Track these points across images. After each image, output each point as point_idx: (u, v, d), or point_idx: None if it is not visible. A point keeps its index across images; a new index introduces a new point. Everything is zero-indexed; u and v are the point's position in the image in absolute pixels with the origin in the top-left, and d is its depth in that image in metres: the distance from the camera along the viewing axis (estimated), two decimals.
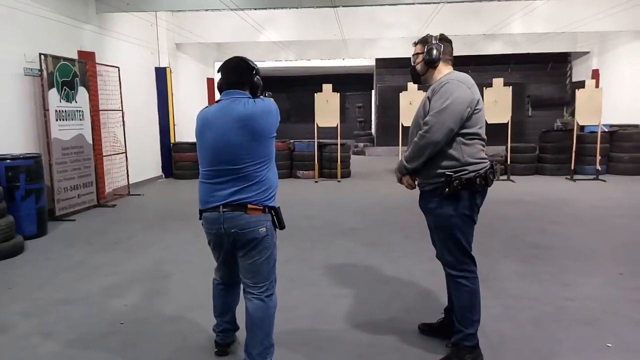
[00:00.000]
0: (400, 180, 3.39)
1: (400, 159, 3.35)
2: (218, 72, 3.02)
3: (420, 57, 3.34)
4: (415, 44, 3.40)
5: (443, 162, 3.10)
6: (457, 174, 3.05)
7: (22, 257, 5.87)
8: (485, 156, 3.20)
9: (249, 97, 2.90)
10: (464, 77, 3.19)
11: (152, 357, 3.43)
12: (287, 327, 3.74)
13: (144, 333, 3.80)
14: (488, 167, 3.14)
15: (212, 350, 3.44)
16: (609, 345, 3.47)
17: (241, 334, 3.26)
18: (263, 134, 2.83)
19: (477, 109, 3.12)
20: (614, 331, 3.70)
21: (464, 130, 3.08)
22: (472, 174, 3.07)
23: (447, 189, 3.06)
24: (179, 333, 3.78)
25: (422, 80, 3.43)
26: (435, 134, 3.01)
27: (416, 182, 3.33)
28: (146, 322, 3.99)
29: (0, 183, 6.17)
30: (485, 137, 3.20)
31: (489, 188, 3.16)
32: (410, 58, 3.45)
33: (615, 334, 3.64)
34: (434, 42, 3.28)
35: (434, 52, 3.26)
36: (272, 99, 3.02)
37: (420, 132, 3.11)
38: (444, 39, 3.32)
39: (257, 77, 3.00)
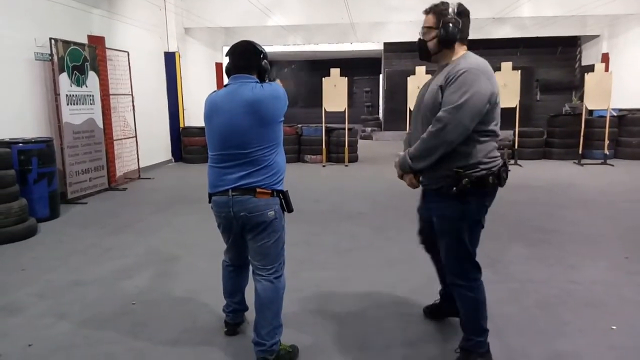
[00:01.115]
0: (401, 177, 2.98)
1: (403, 153, 2.94)
2: (226, 56, 3.03)
3: (434, 33, 2.84)
4: (427, 12, 2.89)
5: (454, 160, 2.73)
6: (467, 171, 2.72)
7: (35, 240, 5.96)
8: (499, 153, 2.87)
9: (257, 82, 2.91)
10: (483, 64, 2.77)
11: (163, 336, 3.50)
12: (295, 308, 3.81)
13: (154, 314, 3.87)
14: (501, 164, 2.83)
15: (221, 330, 3.51)
16: (614, 327, 3.51)
17: (250, 314, 3.32)
18: (271, 118, 2.86)
19: (496, 103, 2.76)
20: (619, 314, 3.73)
21: (479, 127, 2.70)
22: (484, 171, 2.74)
23: (454, 188, 2.73)
24: (189, 313, 3.85)
25: (432, 59, 2.96)
26: (450, 134, 2.64)
27: (420, 180, 2.95)
28: (157, 303, 4.07)
29: (13, 166, 6.23)
30: (499, 132, 2.85)
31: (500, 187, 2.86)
32: (417, 42, 3.13)
33: (621, 317, 3.68)
34: (451, 16, 2.80)
35: (452, 29, 2.78)
36: (279, 83, 3.05)
37: (431, 129, 2.70)
38: (462, 13, 2.86)
39: (265, 61, 3.00)
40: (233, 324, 3.49)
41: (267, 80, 3.02)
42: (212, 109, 2.95)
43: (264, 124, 2.84)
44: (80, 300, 4.14)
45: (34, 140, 6.80)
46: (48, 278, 4.66)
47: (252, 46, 3.01)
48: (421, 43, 2.94)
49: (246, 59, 2.98)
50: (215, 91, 3.04)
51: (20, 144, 6.55)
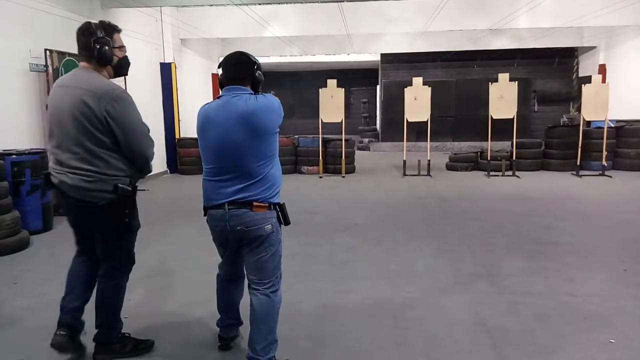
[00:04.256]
0: None
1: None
2: (219, 67, 2.99)
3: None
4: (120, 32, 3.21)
5: None
6: None
7: (27, 252, 5.90)
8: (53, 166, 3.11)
9: (251, 93, 2.88)
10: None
11: (156, 351, 3.45)
12: (291, 322, 3.75)
13: (148, 327, 3.81)
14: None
15: (215, 344, 3.46)
16: (612, 341, 3.47)
17: (244, 329, 3.27)
18: (265, 130, 2.81)
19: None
20: (617, 327, 3.69)
21: None
22: None
23: None
24: (182, 327, 3.80)
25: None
26: None
27: None
28: (150, 317, 4.01)
29: (6, 178, 6.18)
30: (53, 151, 3.10)
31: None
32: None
33: (619, 330, 3.64)
34: None
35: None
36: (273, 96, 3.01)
37: None
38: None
39: (259, 72, 2.96)
40: (227, 339, 3.43)
41: (261, 92, 2.98)
42: (205, 121, 2.90)
43: (258, 136, 2.80)
44: None
45: (28, 151, 6.75)
46: (40, 291, 4.59)
47: (245, 57, 2.98)
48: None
49: (239, 70, 2.94)
50: (208, 103, 3.00)
51: (14, 156, 6.51)
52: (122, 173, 3.05)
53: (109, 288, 3.30)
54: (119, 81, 3.43)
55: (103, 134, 2.93)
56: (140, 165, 3.16)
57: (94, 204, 3.03)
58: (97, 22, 3.11)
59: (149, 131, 3.15)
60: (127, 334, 3.47)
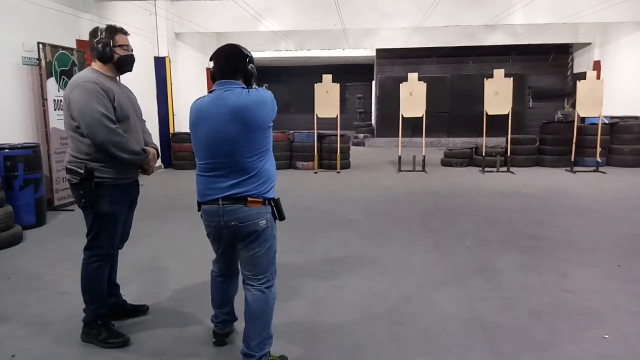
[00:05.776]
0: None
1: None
2: (210, 60, 2.94)
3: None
4: (127, 34, 3.53)
5: None
6: None
7: (20, 247, 5.86)
8: None
9: (243, 87, 2.84)
10: None
11: (150, 346, 3.43)
12: (285, 318, 3.75)
13: (142, 323, 3.80)
14: None
15: (210, 340, 3.44)
16: (606, 336, 3.48)
17: (239, 324, 3.26)
18: (258, 125, 2.78)
19: None
20: (611, 323, 3.70)
21: None
22: None
23: None
24: (176, 323, 3.78)
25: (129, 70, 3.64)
26: None
27: None
28: (144, 313, 3.99)
29: None
30: None
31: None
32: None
33: (613, 326, 3.64)
34: None
35: None
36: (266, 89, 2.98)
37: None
38: None
39: (251, 65, 2.93)
40: (222, 335, 3.42)
41: (253, 86, 2.95)
42: (197, 116, 2.87)
43: (251, 131, 2.77)
44: (66, 309, 4.05)
45: (20, 146, 6.70)
46: (33, 286, 4.57)
47: (237, 50, 2.94)
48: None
49: (231, 63, 2.90)
50: (200, 98, 2.96)
51: (7, 150, 6.46)
52: (86, 157, 3.29)
53: (82, 265, 3.56)
54: None
55: (72, 118, 3.28)
56: (105, 152, 3.27)
57: (70, 182, 3.37)
58: (105, 25, 3.43)
59: (111, 121, 3.27)
60: (112, 325, 3.55)
